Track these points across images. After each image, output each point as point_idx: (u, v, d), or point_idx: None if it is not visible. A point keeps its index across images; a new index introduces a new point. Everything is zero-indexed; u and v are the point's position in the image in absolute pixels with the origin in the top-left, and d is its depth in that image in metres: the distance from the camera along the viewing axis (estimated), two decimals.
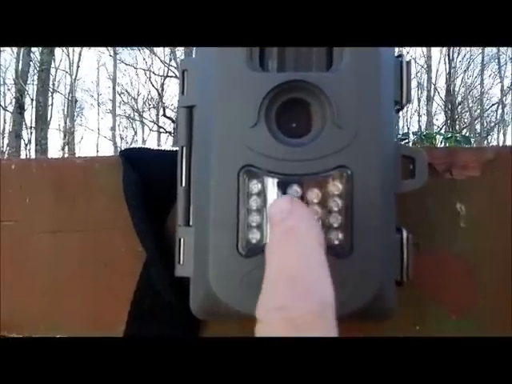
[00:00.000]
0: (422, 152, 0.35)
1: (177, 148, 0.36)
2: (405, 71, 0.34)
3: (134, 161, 0.39)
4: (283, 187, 0.32)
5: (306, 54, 0.34)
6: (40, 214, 0.42)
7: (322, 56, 0.33)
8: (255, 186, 0.32)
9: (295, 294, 0.24)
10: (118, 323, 0.39)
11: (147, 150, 0.41)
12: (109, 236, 0.41)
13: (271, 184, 0.32)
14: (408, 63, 0.35)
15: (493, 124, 11.67)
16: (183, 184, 0.35)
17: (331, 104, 0.32)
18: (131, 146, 0.42)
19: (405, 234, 0.34)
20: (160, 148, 0.41)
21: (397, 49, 0.35)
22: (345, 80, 0.32)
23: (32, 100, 8.86)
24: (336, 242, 0.32)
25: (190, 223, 0.35)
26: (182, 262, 0.35)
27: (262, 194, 0.32)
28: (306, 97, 0.33)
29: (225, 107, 0.33)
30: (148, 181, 0.39)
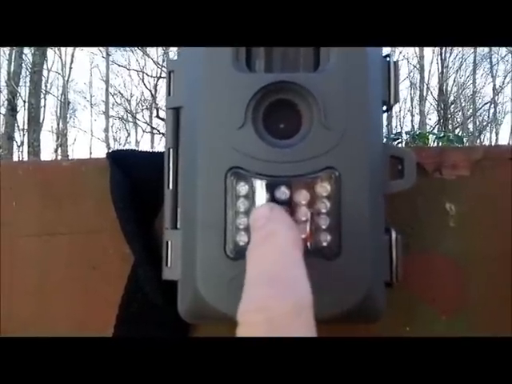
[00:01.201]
0: (410, 152, 0.34)
1: (164, 150, 0.36)
2: (392, 71, 0.34)
3: (122, 163, 0.39)
4: (271, 189, 0.31)
5: (293, 55, 0.33)
6: (27, 216, 0.41)
7: (309, 57, 0.33)
8: (243, 188, 0.32)
9: (274, 294, 0.24)
10: (106, 326, 0.39)
11: (134, 151, 0.40)
12: (96, 238, 0.40)
13: (259, 186, 0.32)
14: (395, 63, 0.34)
15: (485, 123, 11.72)
16: (170, 186, 0.35)
17: (318, 105, 0.32)
18: (119, 148, 0.41)
19: (394, 235, 0.34)
20: (148, 150, 0.40)
21: (390, 48, 0.35)
22: (332, 81, 0.32)
23: (24, 102, 8.82)
24: (324, 244, 0.31)
25: (178, 226, 0.34)
26: (169, 264, 0.34)
27: (250, 196, 0.32)
28: (294, 98, 0.32)
29: (211, 108, 0.32)
30: (135, 183, 0.39)
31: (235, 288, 0.31)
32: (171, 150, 0.35)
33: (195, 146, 0.33)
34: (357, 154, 0.32)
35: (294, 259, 0.26)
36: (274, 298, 0.24)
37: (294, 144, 0.32)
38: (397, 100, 0.34)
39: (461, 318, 0.38)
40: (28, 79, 8.32)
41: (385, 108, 0.35)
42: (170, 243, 0.34)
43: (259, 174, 0.32)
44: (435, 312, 0.38)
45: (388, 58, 0.34)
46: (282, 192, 0.31)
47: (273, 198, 0.31)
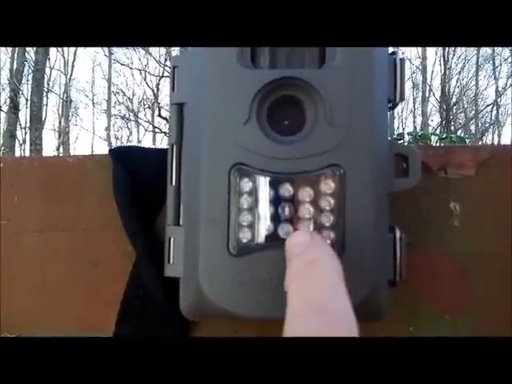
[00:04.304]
0: (415, 150, 0.34)
1: (167, 146, 0.36)
2: (398, 69, 0.34)
3: (124, 159, 0.39)
4: (275, 186, 0.31)
5: (299, 51, 0.33)
6: (29, 212, 0.41)
7: (314, 53, 0.33)
8: (246, 185, 0.32)
9: (323, 325, 0.23)
10: (107, 323, 0.38)
11: (137, 148, 0.40)
12: (98, 235, 0.40)
13: (263, 182, 0.31)
14: (402, 61, 0.34)
15: (487, 125, 11.70)
16: (173, 183, 0.35)
17: (324, 101, 0.32)
18: (120, 145, 0.41)
19: (398, 233, 0.34)
20: (151, 146, 0.40)
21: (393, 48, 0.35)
22: (338, 77, 0.32)
23: (26, 100, 8.82)
24: (328, 242, 0.31)
25: (180, 222, 0.34)
26: (171, 261, 0.34)
27: (254, 192, 0.32)
28: (299, 94, 0.32)
29: (216, 104, 0.32)
30: (138, 179, 0.38)
31: (238, 285, 0.31)
32: (175, 146, 0.35)
33: (199, 142, 0.32)
34: (362, 152, 0.32)
35: (339, 290, 0.25)
36: (325, 328, 0.23)
37: (299, 141, 0.32)
38: (402, 98, 0.34)
39: (464, 317, 0.38)
40: (30, 77, 8.32)
41: (390, 106, 0.34)
42: (172, 240, 0.34)
43: (263, 170, 0.31)
44: (439, 312, 0.38)
45: (394, 56, 0.34)
46: (286, 189, 0.31)
47: (276, 195, 0.31)
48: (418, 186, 0.34)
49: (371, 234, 0.32)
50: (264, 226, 0.31)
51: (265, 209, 0.31)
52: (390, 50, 0.34)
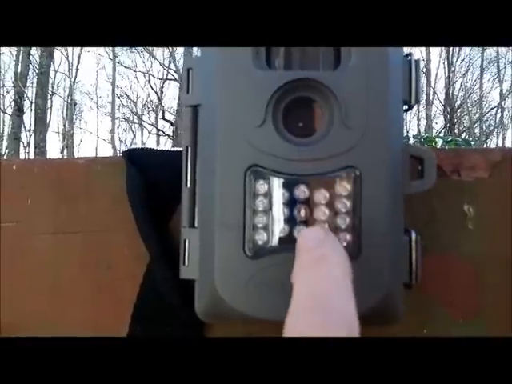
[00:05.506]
0: (430, 152, 0.34)
1: (181, 148, 0.36)
2: (414, 70, 0.34)
3: (138, 161, 0.39)
4: (290, 188, 0.31)
5: (314, 53, 0.33)
6: (41, 214, 0.41)
7: (329, 55, 0.33)
8: (261, 187, 0.32)
9: (325, 323, 0.24)
10: (121, 326, 0.38)
11: (151, 150, 0.40)
12: (111, 237, 0.40)
13: (278, 184, 0.31)
14: (417, 62, 0.34)
15: (492, 128, 11.69)
16: (188, 185, 0.35)
17: (339, 103, 0.31)
18: (133, 147, 0.41)
19: (413, 236, 0.33)
20: (164, 148, 0.40)
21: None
22: (353, 79, 0.32)
23: (31, 103, 8.85)
24: (344, 244, 0.31)
25: (195, 224, 0.34)
26: (186, 263, 0.34)
27: (269, 194, 0.31)
28: (314, 96, 0.32)
29: (231, 106, 0.32)
30: (152, 181, 0.38)
31: (254, 287, 0.31)
32: (189, 148, 0.35)
33: (214, 144, 0.32)
34: (377, 154, 0.32)
35: (344, 288, 0.25)
36: (324, 328, 0.23)
37: (314, 142, 0.32)
38: (418, 99, 0.34)
39: (478, 321, 0.38)
40: (35, 80, 8.35)
41: (406, 107, 0.34)
42: (187, 242, 0.34)
43: (278, 172, 0.31)
44: (452, 315, 0.38)
45: (409, 57, 0.34)
46: (301, 191, 0.31)
47: (292, 197, 0.31)
48: (432, 188, 0.34)
49: (387, 236, 0.32)
50: (279, 228, 0.31)
51: (280, 211, 0.31)
52: (406, 51, 0.34)
